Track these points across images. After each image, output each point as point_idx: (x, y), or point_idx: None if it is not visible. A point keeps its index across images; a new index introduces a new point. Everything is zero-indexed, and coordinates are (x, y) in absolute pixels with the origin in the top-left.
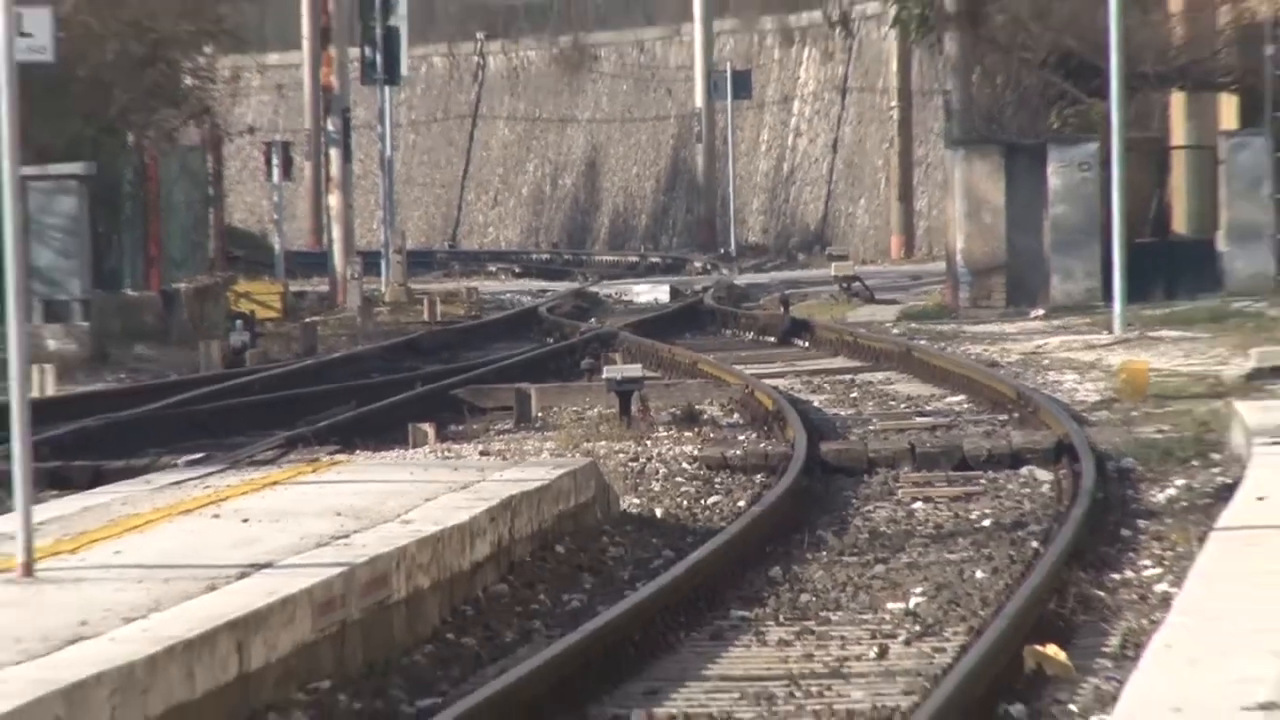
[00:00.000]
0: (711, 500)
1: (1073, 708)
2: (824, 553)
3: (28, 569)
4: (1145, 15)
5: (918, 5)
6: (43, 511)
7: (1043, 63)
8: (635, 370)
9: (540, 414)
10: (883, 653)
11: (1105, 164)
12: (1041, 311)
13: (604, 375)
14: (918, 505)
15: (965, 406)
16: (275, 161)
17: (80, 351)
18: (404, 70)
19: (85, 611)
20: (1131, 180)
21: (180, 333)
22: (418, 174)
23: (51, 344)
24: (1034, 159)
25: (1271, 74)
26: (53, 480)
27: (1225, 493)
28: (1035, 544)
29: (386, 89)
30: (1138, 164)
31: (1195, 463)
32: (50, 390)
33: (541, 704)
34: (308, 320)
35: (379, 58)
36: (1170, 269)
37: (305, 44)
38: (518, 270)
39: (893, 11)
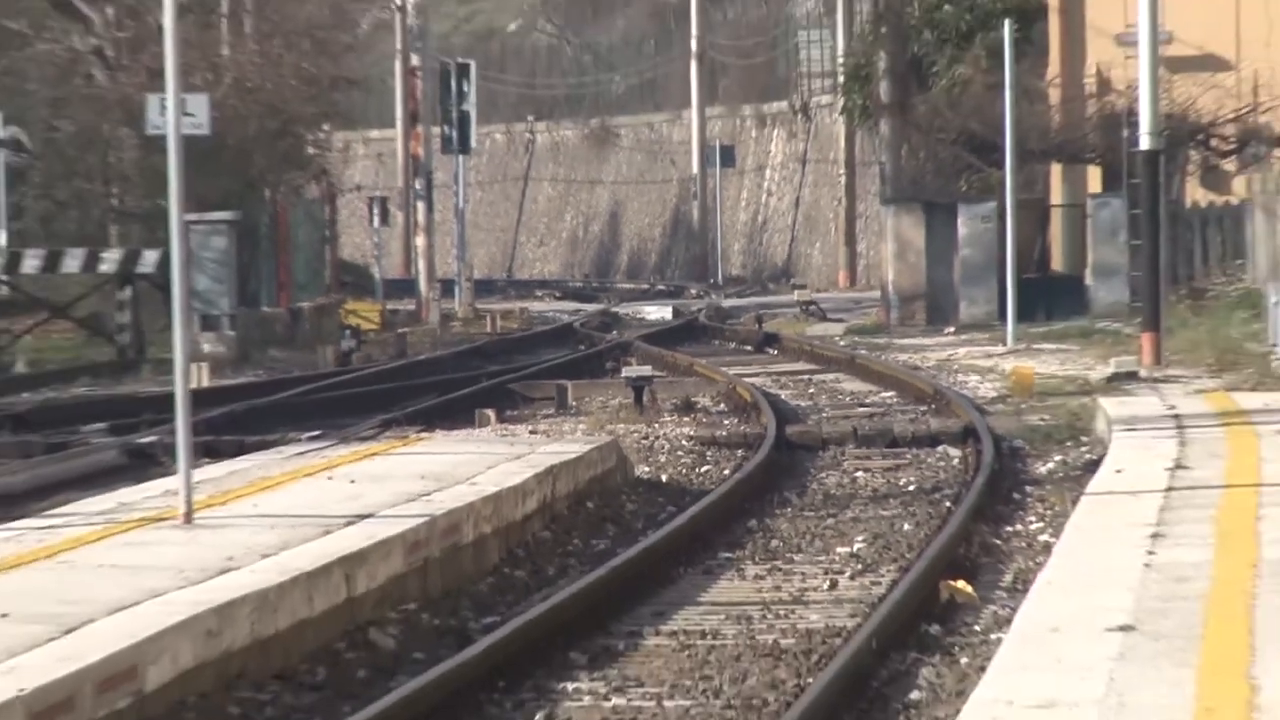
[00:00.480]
0: (703, 469)
1: (977, 628)
2: (789, 509)
3: (188, 517)
4: (1031, 106)
5: (860, 97)
6: (198, 474)
7: (954, 141)
8: (646, 370)
9: (575, 403)
10: (833, 585)
11: (1001, 218)
12: (952, 329)
13: (623, 374)
14: (859, 474)
15: (895, 400)
16: (376, 211)
17: (228, 354)
18: (473, 143)
19: (231, 549)
20: (1020, 230)
21: (303, 340)
22: (483, 221)
23: (206, 347)
24: (947, 214)
25: (1125, 151)
26: (206, 451)
27: (1091, 467)
28: (948, 504)
29: (460, 157)
30: (1025, 218)
31: (1069, 444)
32: (205, 382)
33: (576, 622)
34: (399, 331)
35: (454, 134)
36: (1049, 297)
37: (399, 123)
38: (558, 295)
39: (841, 102)
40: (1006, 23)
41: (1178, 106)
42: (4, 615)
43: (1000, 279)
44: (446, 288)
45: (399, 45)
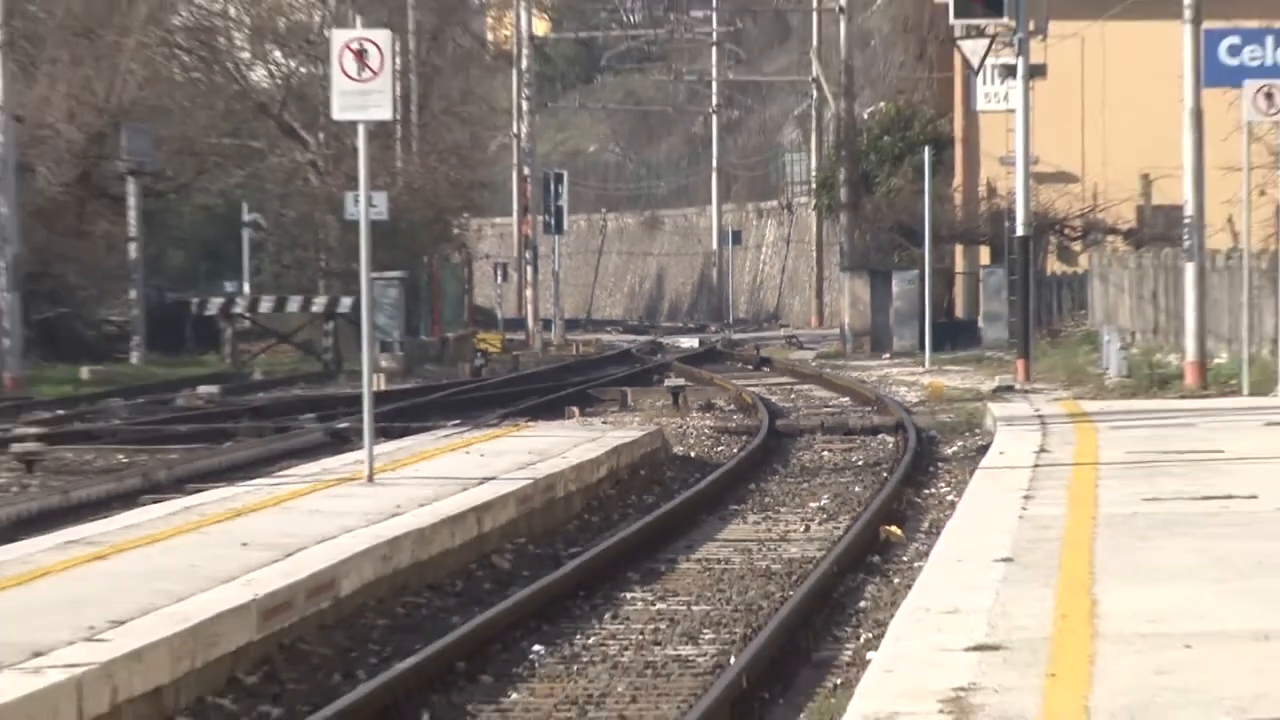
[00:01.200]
0: (719, 449)
1: (905, 559)
2: (776, 476)
3: (370, 478)
4: (942, 205)
5: (826, 199)
6: (377, 449)
7: (890, 229)
8: (680, 381)
9: (632, 403)
10: (807, 528)
11: (921, 281)
12: (888, 355)
13: (665, 384)
14: (825, 453)
15: (849, 403)
16: (498, 272)
17: (397, 368)
18: (565, 227)
19: (399, 500)
20: (934, 289)
21: (449, 359)
22: (570, 279)
23: (383, 363)
24: (885, 278)
25: (1006, 237)
26: (382, 433)
27: (982, 450)
28: (885, 474)
29: (556, 236)
30: (937, 281)
31: (967, 434)
32: (382, 387)
33: (632, 552)
34: (513, 353)
35: (552, 221)
36: (953, 334)
37: (515, 212)
38: (621, 330)
39: (813, 202)
40: (926, 150)
41: (1041, 207)
42: (245, 544)
43: (920, 322)
44: (546, 324)
45: (515, 160)
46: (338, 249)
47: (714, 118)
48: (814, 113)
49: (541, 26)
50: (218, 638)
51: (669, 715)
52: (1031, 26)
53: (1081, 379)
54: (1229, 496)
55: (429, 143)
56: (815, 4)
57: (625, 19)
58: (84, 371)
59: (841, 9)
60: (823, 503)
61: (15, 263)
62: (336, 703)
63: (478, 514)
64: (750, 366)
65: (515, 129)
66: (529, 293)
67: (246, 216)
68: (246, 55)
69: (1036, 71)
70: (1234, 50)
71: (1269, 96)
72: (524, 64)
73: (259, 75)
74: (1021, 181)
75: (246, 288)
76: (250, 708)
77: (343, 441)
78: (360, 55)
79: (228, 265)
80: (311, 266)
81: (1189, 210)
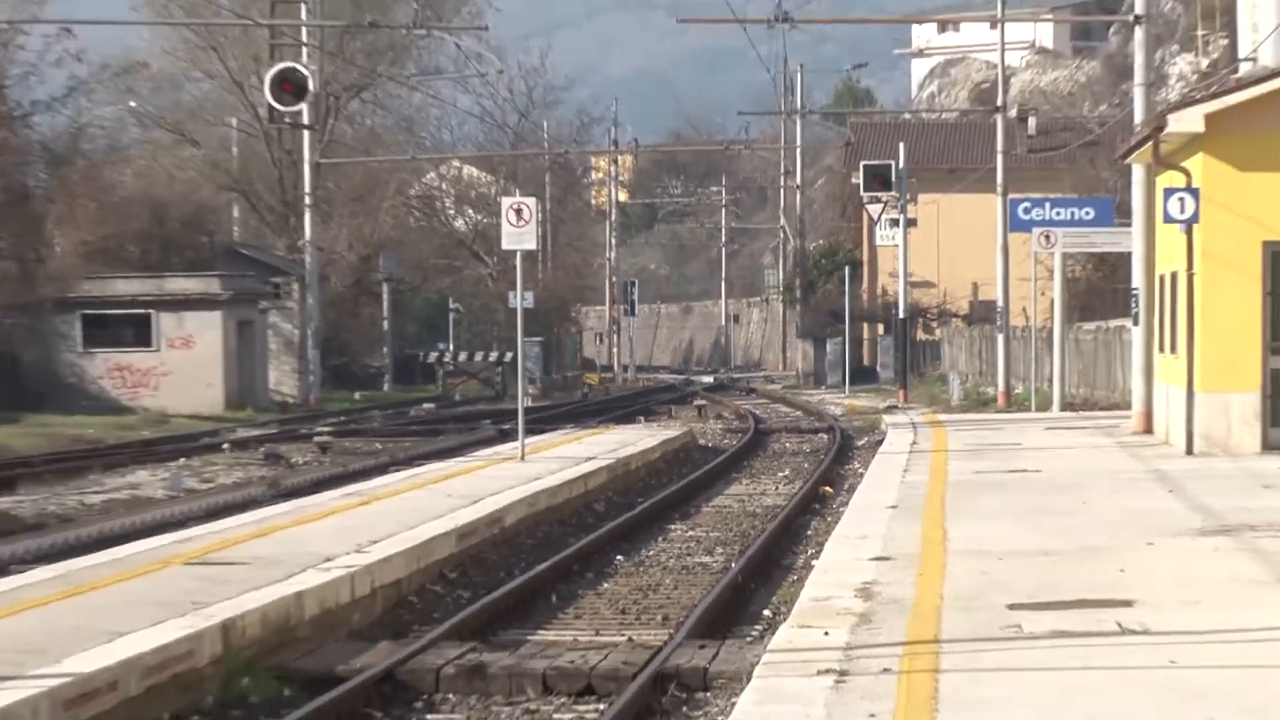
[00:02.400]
0: (726, 442)
1: (834, 506)
2: (759, 458)
3: (522, 458)
4: (856, 300)
5: (789, 296)
6: (527, 441)
7: (825, 313)
8: (703, 401)
9: (675, 415)
10: (777, 488)
11: (843, 344)
12: (824, 387)
13: (694, 403)
14: (787, 444)
15: (800, 415)
16: (597, 337)
17: (538, 393)
18: (635, 312)
19: (538, 471)
20: (851, 349)
21: (568, 388)
22: (638, 341)
23: (530, 390)
24: (822, 342)
25: (894, 319)
26: (529, 431)
27: (879, 444)
28: (823, 457)
29: (630, 317)
30: (853, 344)
31: (870, 434)
32: (528, 404)
33: (677, 500)
34: (605, 385)
35: (629, 308)
36: (863, 376)
37: (607, 303)
38: (668, 372)
39: (782, 298)
40: (847, 269)
41: (913, 301)
42: (449, 495)
43: (843, 368)
44: (624, 368)
45: (607, 273)
46: (504, 323)
47: (723, 250)
48: (781, 246)
49: (623, 195)
50: (432, 550)
51: (695, 596)
52: (908, 197)
53: (936, 401)
54: (1024, 470)
55: (558, 262)
56: (783, 184)
57: (670, 191)
58: (357, 395)
59: (797, 187)
60: (785, 473)
61: (317, 332)
62: (501, 588)
63: (585, 479)
64: (743, 393)
65: (608, 255)
66: (615, 350)
67: (451, 305)
68: (452, 211)
69: (911, 223)
70: (1026, 210)
71: (1046, 238)
72: (613, 217)
73: (459, 224)
74: (902, 286)
75: (451, 346)
76: (451, 591)
77: (506, 436)
78: (518, 211)
79: (440, 333)
80: (488, 334)
81: (1000, 303)
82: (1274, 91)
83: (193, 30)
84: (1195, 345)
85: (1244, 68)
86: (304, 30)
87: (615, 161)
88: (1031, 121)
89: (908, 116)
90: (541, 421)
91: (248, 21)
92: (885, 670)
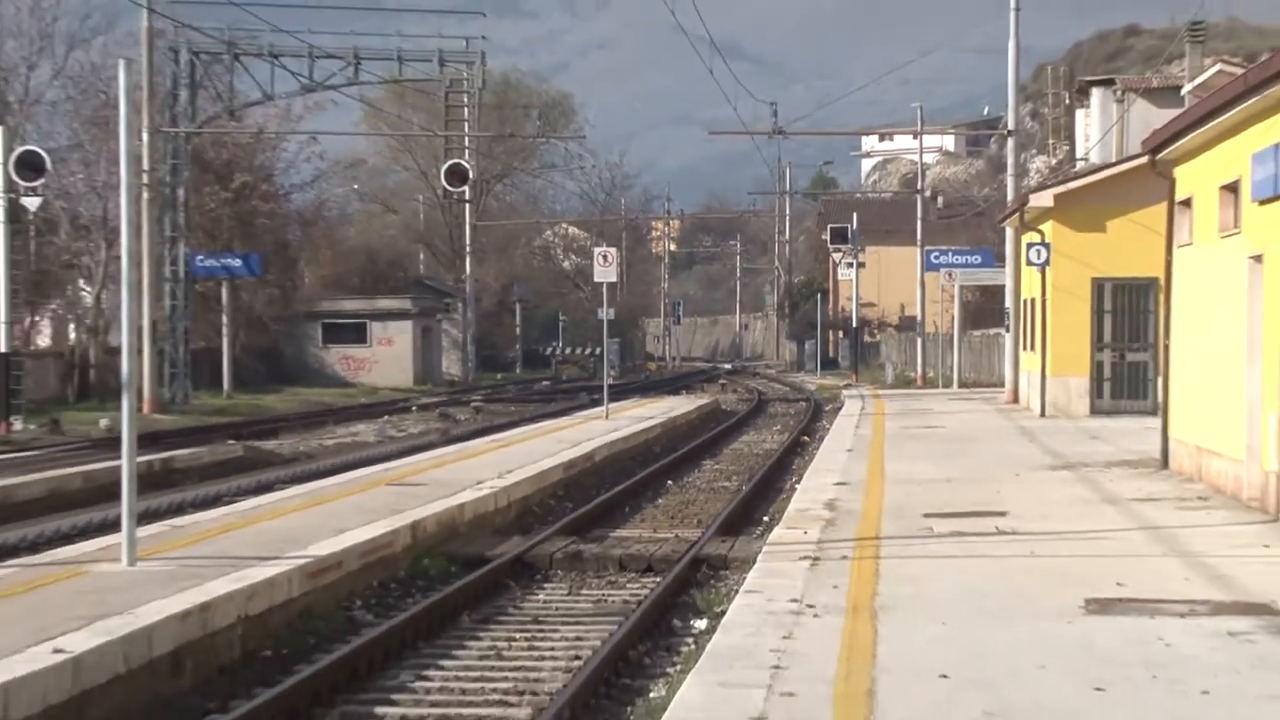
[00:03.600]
0: (739, 407)
1: (810, 450)
2: (760, 418)
3: (607, 417)
4: (824, 315)
5: (780, 313)
6: (611, 405)
7: (804, 325)
8: (724, 381)
9: (704, 389)
10: (773, 437)
11: (817, 343)
12: (803, 372)
13: (719, 382)
14: (779, 409)
15: (788, 389)
16: (657, 337)
17: (617, 376)
18: (681, 322)
19: (616, 425)
20: (822, 347)
21: (636, 372)
22: (682, 341)
23: (611, 374)
24: (802, 342)
25: (852, 327)
26: (611, 398)
27: (839, 409)
28: (803, 418)
29: (677, 325)
30: (823, 342)
31: (833, 403)
32: (610, 383)
33: (707, 446)
34: (660, 370)
35: (677, 320)
36: (829, 365)
37: (662, 315)
38: (702, 362)
39: (775, 313)
40: (819, 295)
41: (862, 315)
42: (560, 441)
43: (817, 359)
44: (673, 359)
45: (663, 297)
46: (594, 329)
47: (738, 282)
48: (776, 280)
49: (673, 246)
50: (547, 476)
51: (719, 508)
52: (859, 248)
53: (877, 381)
54: (934, 426)
55: (630, 289)
56: (777, 240)
57: (703, 243)
58: (499, 376)
59: (786, 241)
60: (778, 428)
61: (473, 334)
62: (592, 502)
63: (646, 430)
64: (751, 375)
65: (663, 285)
66: (667, 346)
67: (560, 317)
68: (561, 256)
69: (861, 265)
70: (936, 257)
71: (949, 275)
72: (666, 260)
73: (566, 264)
74: (854, 306)
75: (560, 343)
76: (560, 503)
77: (595, 402)
78: (605, 256)
79: (553, 335)
80: (584, 335)
81: (918, 317)
82: (1097, 181)
83: (395, 139)
84: (1047, 345)
85: (1080, 165)
86: (466, 138)
87: (667, 224)
88: (939, 199)
89: (859, 195)
90: (618, 394)
91: (430, 133)
92: (844, 557)
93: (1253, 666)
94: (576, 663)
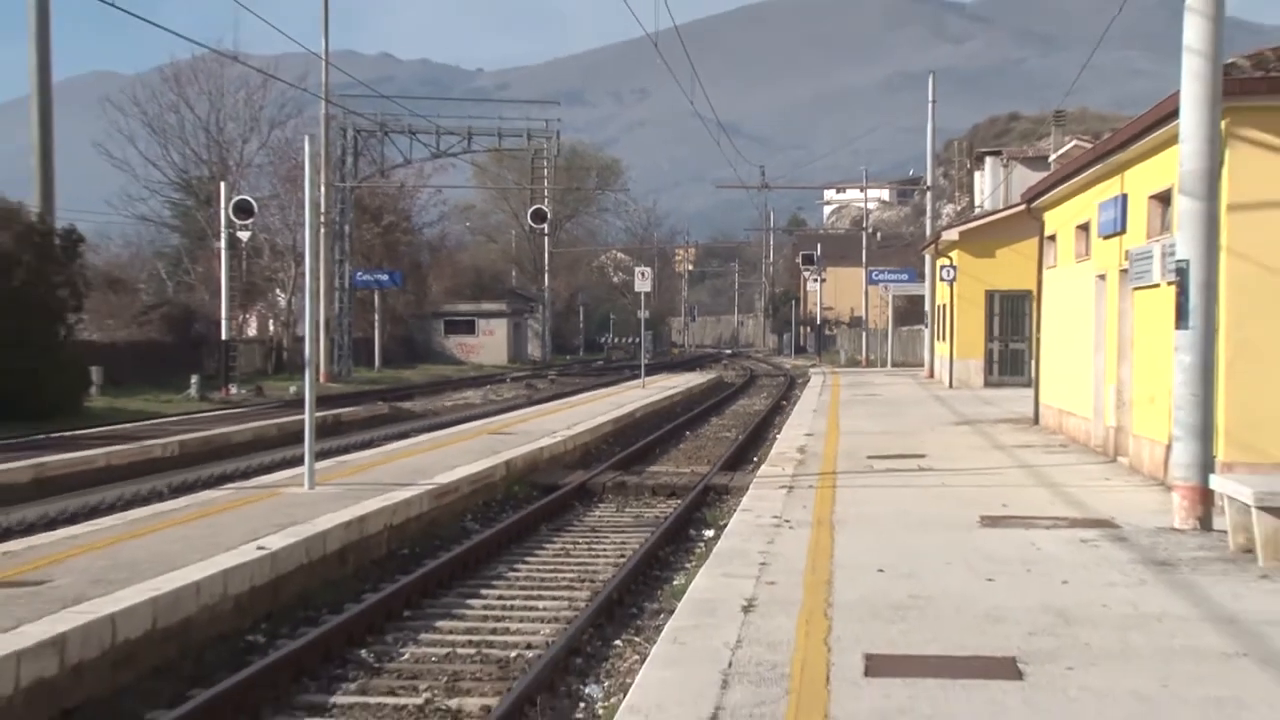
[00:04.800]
0: (740, 382)
1: (787, 411)
2: (751, 388)
3: (643, 386)
4: (797, 315)
5: (766, 313)
6: (647, 379)
7: (783, 321)
8: (725, 361)
9: (710, 368)
10: (762, 402)
11: (795, 336)
12: (783, 356)
13: (722, 362)
14: (765, 382)
15: (774, 368)
16: (678, 330)
17: (651, 359)
18: (695, 319)
19: (650, 392)
20: (795, 337)
21: (665, 355)
22: (696, 333)
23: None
24: (781, 334)
25: (817, 325)
26: (648, 373)
27: (807, 382)
28: (783, 388)
29: (692, 321)
30: (796, 335)
31: (803, 378)
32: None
33: (713, 408)
34: (681, 353)
35: (691, 318)
36: (801, 351)
37: (682, 315)
38: (711, 349)
39: (763, 314)
40: (794, 301)
41: (824, 315)
42: (618, 405)
43: (793, 346)
44: (690, 346)
45: (683, 303)
46: (635, 325)
47: (736, 292)
48: (763, 290)
49: (690, 265)
50: (601, 429)
51: (722, 452)
52: (822, 268)
53: (834, 363)
54: (875, 395)
55: (659, 297)
56: (764, 261)
57: (713, 264)
58: (567, 358)
59: (770, 263)
60: (764, 395)
61: (548, 328)
62: (632, 446)
63: (671, 395)
64: (744, 358)
65: (683, 294)
66: (685, 337)
67: (611, 315)
68: (612, 272)
69: (823, 280)
70: (877, 274)
71: (885, 288)
72: (685, 276)
73: (615, 279)
74: (819, 309)
75: (611, 334)
76: (611, 448)
77: (635, 377)
78: (643, 274)
79: (605, 328)
80: (628, 329)
81: (864, 317)
82: (989, 222)
83: (495, 191)
84: (954, 337)
85: (977, 210)
86: (545, 190)
87: (686, 251)
88: (879, 235)
89: (822, 231)
90: (651, 370)
91: (520, 186)
92: (810, 486)
93: (1097, 564)
94: (622, 559)
